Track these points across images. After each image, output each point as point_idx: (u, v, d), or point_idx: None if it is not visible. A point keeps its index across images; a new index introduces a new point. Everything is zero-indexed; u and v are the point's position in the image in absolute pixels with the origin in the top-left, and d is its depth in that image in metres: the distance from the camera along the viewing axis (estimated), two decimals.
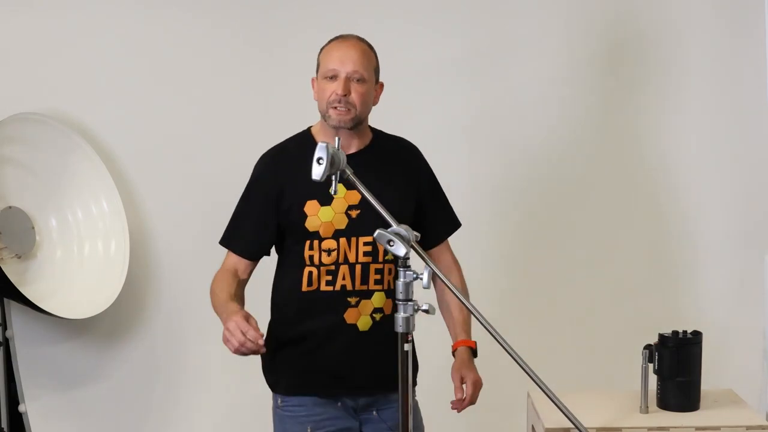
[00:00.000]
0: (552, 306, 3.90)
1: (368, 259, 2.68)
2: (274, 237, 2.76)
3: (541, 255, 3.89)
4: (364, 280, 2.70)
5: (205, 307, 3.66)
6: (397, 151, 2.83)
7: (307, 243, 2.69)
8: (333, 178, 2.32)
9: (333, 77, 2.65)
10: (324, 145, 2.26)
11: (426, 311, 2.26)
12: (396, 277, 2.24)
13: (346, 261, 2.69)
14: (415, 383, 2.77)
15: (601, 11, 3.89)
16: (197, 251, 3.77)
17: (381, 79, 2.76)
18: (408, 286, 2.23)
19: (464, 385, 2.72)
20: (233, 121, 3.78)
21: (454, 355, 2.80)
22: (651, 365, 2.82)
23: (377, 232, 2.21)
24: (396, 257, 2.22)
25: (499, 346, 2.24)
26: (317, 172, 2.27)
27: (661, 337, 2.83)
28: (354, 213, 2.68)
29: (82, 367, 3.82)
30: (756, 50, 3.81)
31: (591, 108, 3.90)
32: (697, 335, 2.84)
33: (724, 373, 3.46)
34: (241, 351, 2.47)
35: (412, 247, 2.22)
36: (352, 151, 2.72)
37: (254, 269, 2.82)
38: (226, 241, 2.81)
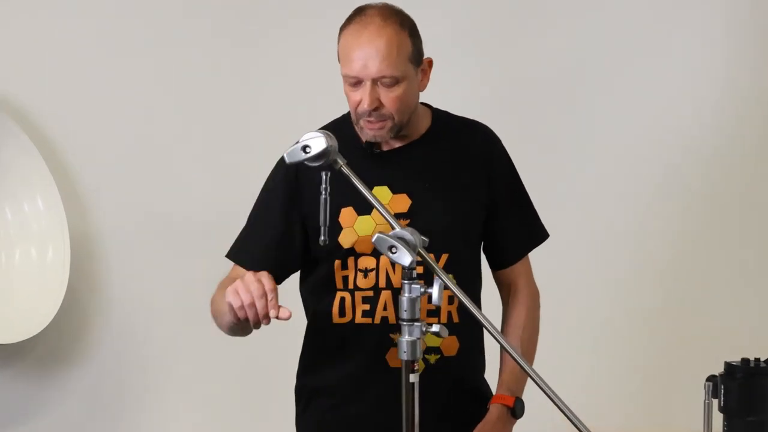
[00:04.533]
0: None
1: (418, 282, 2.19)
2: (299, 250, 2.40)
3: (551, 262, 3.52)
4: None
5: (165, 326, 3.68)
6: (460, 142, 2.47)
7: (338, 262, 2.37)
8: (324, 173, 2.17)
9: (356, 83, 2.30)
10: (315, 134, 2.16)
11: (437, 334, 2.09)
12: (401, 293, 2.05)
13: (388, 285, 2.36)
14: None
15: None
16: (154, 260, 3.65)
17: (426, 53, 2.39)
18: (414, 302, 2.05)
19: None
20: (197, 113, 3.64)
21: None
22: (716, 401, 2.52)
23: (377, 235, 2.02)
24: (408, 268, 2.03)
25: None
26: None
27: (728, 366, 2.54)
28: (402, 223, 2.28)
29: (14, 402, 3.59)
30: None
31: (577, 99, 3.77)
32: None
33: None
34: (254, 310, 2.11)
35: (420, 254, 2.04)
36: (398, 145, 2.40)
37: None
38: (232, 253, 2.45)
